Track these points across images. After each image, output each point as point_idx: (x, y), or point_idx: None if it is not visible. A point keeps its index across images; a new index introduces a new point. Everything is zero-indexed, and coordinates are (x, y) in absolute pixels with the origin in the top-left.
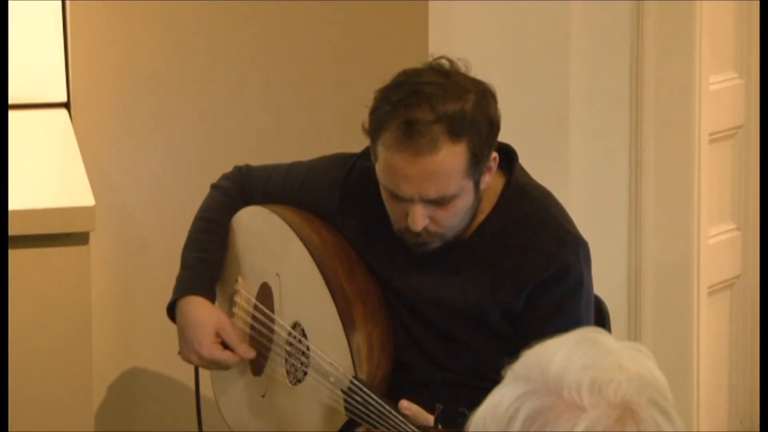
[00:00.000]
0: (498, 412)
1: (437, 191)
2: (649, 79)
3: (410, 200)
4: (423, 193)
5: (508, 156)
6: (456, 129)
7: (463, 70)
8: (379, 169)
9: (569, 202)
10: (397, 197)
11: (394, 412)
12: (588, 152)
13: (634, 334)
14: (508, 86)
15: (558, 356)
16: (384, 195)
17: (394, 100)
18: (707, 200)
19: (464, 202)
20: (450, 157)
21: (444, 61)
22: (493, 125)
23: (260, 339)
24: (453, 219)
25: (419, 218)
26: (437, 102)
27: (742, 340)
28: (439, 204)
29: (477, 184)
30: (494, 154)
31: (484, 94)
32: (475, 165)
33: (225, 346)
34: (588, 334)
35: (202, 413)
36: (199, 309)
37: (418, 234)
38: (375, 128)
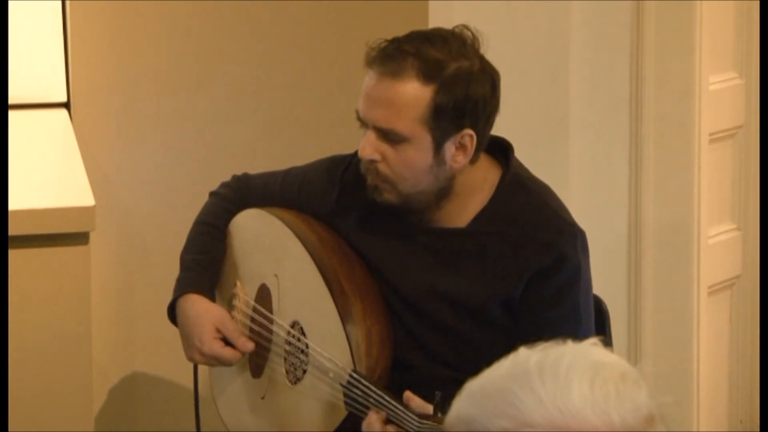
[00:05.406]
0: None
1: (387, 121)
2: (649, 79)
3: (367, 126)
4: (374, 117)
5: (503, 149)
6: (427, 72)
7: (480, 48)
8: None
9: (569, 201)
10: (360, 123)
11: (393, 402)
12: (588, 152)
13: (634, 334)
14: (508, 86)
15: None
16: None
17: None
18: (707, 200)
19: (417, 154)
20: (409, 93)
21: (467, 32)
22: (471, 100)
23: (259, 341)
24: (403, 168)
25: (367, 144)
26: (425, 45)
27: (742, 340)
28: (390, 140)
29: (438, 147)
30: (470, 132)
31: (483, 74)
32: (436, 119)
33: (227, 343)
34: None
35: (201, 415)
36: (197, 306)
37: (368, 165)
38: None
